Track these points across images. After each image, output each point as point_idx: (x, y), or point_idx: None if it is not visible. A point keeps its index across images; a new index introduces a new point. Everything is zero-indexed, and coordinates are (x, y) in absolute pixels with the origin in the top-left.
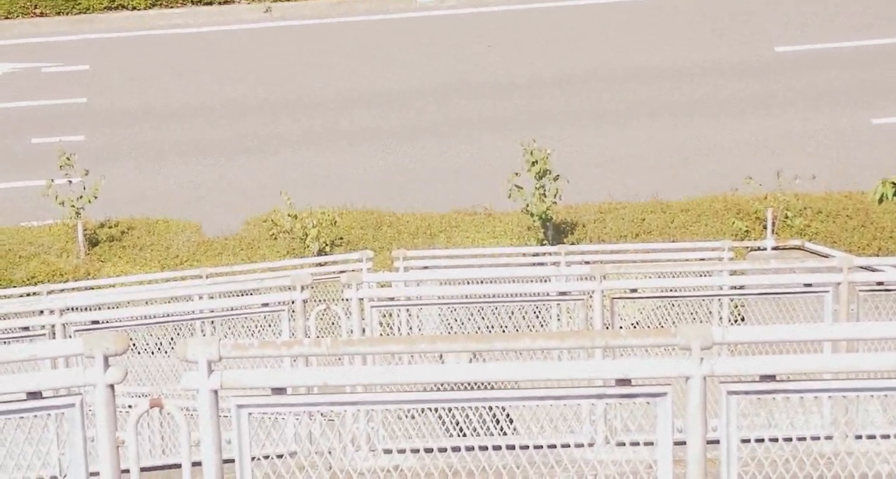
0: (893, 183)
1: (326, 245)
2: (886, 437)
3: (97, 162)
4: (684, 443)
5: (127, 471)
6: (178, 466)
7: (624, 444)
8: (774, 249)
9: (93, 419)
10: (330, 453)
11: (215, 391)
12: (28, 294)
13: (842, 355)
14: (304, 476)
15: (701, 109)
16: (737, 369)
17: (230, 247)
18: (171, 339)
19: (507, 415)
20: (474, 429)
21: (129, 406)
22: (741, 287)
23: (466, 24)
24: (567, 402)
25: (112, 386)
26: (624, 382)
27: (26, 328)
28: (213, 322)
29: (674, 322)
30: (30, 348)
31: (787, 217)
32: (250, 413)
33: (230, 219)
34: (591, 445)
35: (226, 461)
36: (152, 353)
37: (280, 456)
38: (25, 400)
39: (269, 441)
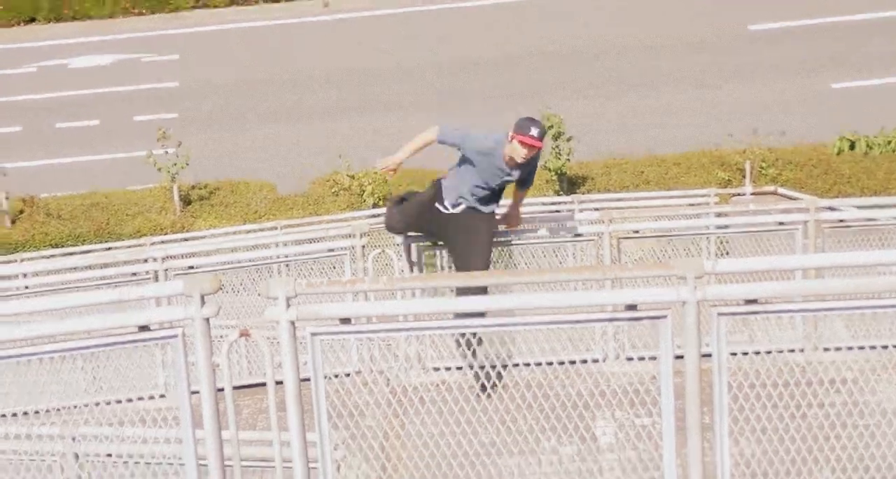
0: (849, 139)
1: (380, 200)
2: (850, 349)
3: (188, 135)
4: (682, 357)
5: (221, 389)
6: (263, 385)
7: (631, 359)
8: (752, 194)
9: (192, 347)
10: (387, 371)
11: (293, 322)
12: (134, 246)
13: (811, 280)
14: (367, 391)
15: (686, 78)
16: (725, 294)
17: (299, 203)
18: (253, 280)
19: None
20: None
21: (222, 336)
22: (725, 227)
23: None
24: (585, 325)
25: (208, 320)
26: (631, 307)
27: (134, 274)
28: (287, 265)
29: (670, 257)
30: (139, 290)
31: (762, 168)
32: (322, 340)
33: (299, 180)
34: (603, 360)
35: (302, 380)
36: (237, 292)
37: (347, 375)
38: (137, 332)
39: (338, 363)
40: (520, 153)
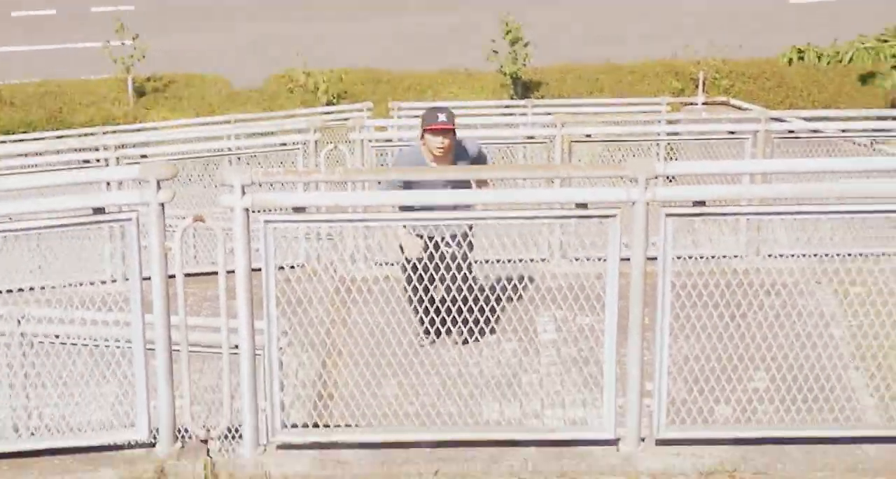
0: (798, 49)
1: (334, 98)
2: (791, 256)
3: (144, 28)
4: (627, 259)
5: (172, 276)
6: (208, 274)
7: (575, 260)
8: (704, 104)
9: (145, 232)
10: (333, 264)
11: (247, 209)
12: (86, 135)
13: (758, 185)
14: (313, 282)
15: None
16: (673, 195)
17: (254, 98)
18: (205, 172)
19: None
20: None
21: (172, 226)
22: (676, 134)
23: None
24: (535, 222)
25: (163, 205)
26: (581, 205)
27: (86, 161)
28: (239, 158)
29: (621, 161)
30: (96, 173)
31: (715, 79)
32: (275, 228)
33: (254, 75)
34: (544, 260)
35: (252, 271)
36: (189, 183)
37: (293, 267)
38: (92, 215)
39: (285, 256)
40: (435, 143)
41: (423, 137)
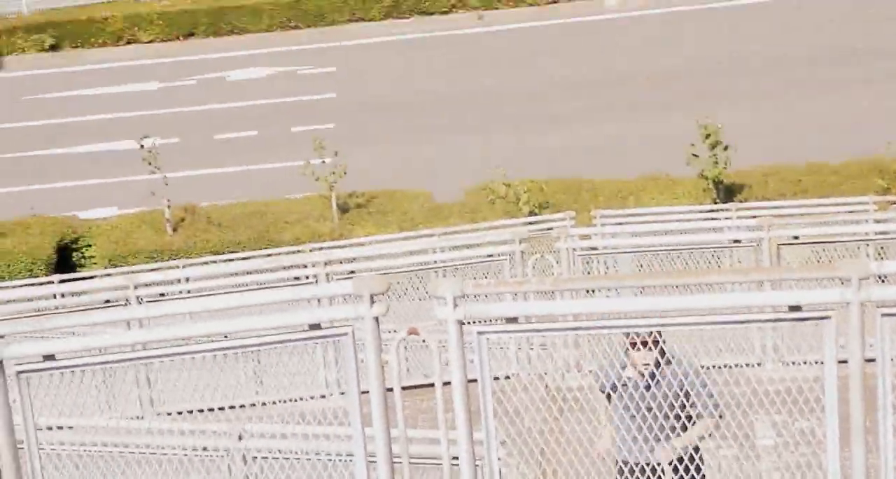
0: None
1: (535, 208)
2: None
3: (345, 145)
4: (845, 362)
5: (390, 389)
6: (423, 386)
7: (789, 364)
8: None
9: (361, 346)
10: (545, 374)
11: (460, 321)
12: (294, 252)
13: None
14: (526, 393)
15: (840, 86)
16: (889, 295)
17: (456, 211)
18: (413, 287)
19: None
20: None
21: (385, 341)
22: (885, 233)
23: (640, 24)
24: (749, 325)
25: (377, 318)
26: (795, 308)
27: (297, 278)
28: (446, 271)
29: (831, 263)
30: (311, 289)
31: None
32: (488, 339)
33: (455, 188)
34: (759, 364)
35: (470, 382)
36: (399, 297)
37: (506, 377)
38: (308, 331)
39: (497, 367)
40: (635, 358)
41: (626, 352)
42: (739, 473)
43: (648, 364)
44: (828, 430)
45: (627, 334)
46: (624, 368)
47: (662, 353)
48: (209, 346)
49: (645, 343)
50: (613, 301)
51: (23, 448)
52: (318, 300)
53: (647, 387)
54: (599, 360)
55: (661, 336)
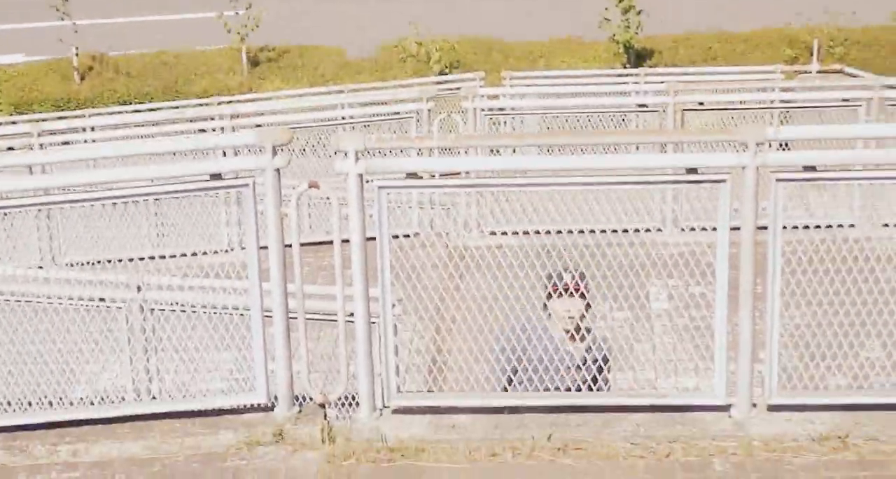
0: None
1: (446, 67)
2: None
3: None
4: (738, 229)
5: (288, 246)
6: (322, 243)
7: (686, 229)
8: (818, 72)
9: (261, 201)
10: (447, 234)
11: (361, 175)
12: (202, 105)
13: (870, 149)
14: (426, 252)
15: None
16: (784, 160)
17: (367, 68)
18: (318, 142)
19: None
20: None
21: (286, 196)
22: (789, 102)
23: None
24: (649, 189)
25: (279, 170)
26: (692, 171)
27: (202, 130)
28: (353, 128)
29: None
30: (213, 139)
31: (830, 47)
32: (388, 193)
33: (368, 45)
34: (660, 230)
35: (369, 239)
36: (303, 153)
37: (406, 236)
38: (209, 180)
39: (398, 225)
40: (561, 310)
41: (545, 305)
42: (630, 334)
43: (573, 317)
44: (717, 293)
45: (550, 279)
46: (545, 330)
47: (588, 306)
48: (110, 193)
49: (567, 290)
50: (515, 159)
51: None
52: (223, 153)
53: (584, 362)
54: (504, 331)
55: (584, 281)
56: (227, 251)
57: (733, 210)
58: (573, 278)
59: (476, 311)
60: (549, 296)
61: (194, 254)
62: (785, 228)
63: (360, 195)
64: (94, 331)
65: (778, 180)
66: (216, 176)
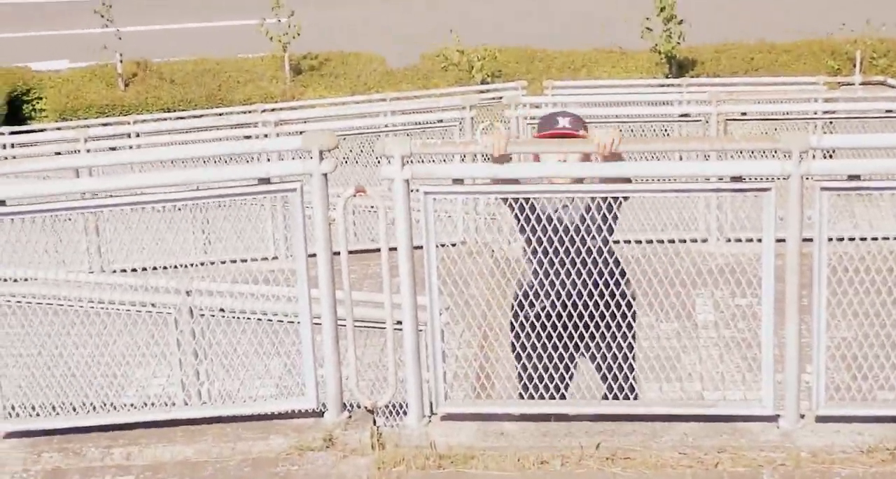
0: None
1: (488, 76)
2: None
3: (301, 5)
4: (783, 241)
5: (337, 254)
6: (368, 251)
7: (732, 240)
8: (861, 84)
9: (309, 207)
10: (492, 243)
11: (407, 181)
12: (245, 112)
13: None
14: (472, 260)
15: None
16: (829, 168)
17: (409, 77)
18: (361, 150)
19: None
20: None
21: (332, 204)
22: (832, 113)
23: None
24: (694, 199)
25: (325, 175)
26: (737, 179)
27: (247, 137)
28: (396, 135)
29: None
30: (260, 144)
31: (872, 58)
32: (434, 199)
33: (409, 53)
34: (704, 240)
35: (416, 248)
36: (345, 161)
37: (453, 245)
38: (257, 185)
39: (444, 234)
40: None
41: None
42: (677, 345)
43: (566, 162)
44: (763, 305)
45: (541, 125)
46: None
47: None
48: (159, 197)
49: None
50: (559, 166)
51: None
52: (268, 157)
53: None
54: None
55: (586, 129)
56: (273, 258)
57: (778, 219)
58: (572, 123)
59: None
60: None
61: (243, 261)
62: (831, 240)
63: (406, 200)
64: (143, 336)
65: (823, 189)
66: (264, 180)
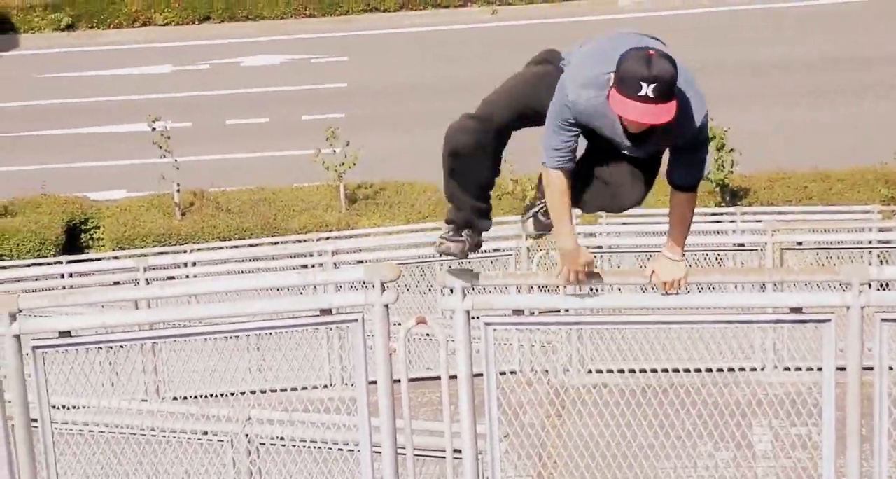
0: None
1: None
2: None
3: (355, 134)
4: (842, 369)
5: (398, 381)
6: (426, 379)
7: (789, 369)
8: None
9: (368, 336)
10: (547, 371)
11: (468, 312)
12: (301, 241)
13: None
14: (528, 389)
15: (855, 92)
16: (889, 299)
17: None
18: (418, 280)
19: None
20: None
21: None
22: (888, 242)
23: (655, 25)
24: (750, 325)
25: (387, 306)
26: (796, 310)
27: (304, 266)
28: (451, 265)
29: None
30: (322, 275)
31: None
32: (495, 329)
33: None
34: (762, 369)
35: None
36: (403, 291)
37: (511, 373)
38: (318, 316)
39: (501, 361)
40: (630, 120)
41: (608, 96)
42: (736, 474)
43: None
44: (824, 434)
45: (623, 76)
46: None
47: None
48: (219, 328)
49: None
50: (617, 297)
51: (36, 426)
52: (326, 288)
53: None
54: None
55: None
56: (327, 386)
57: (838, 350)
58: (658, 91)
59: (578, 453)
60: (610, 95)
61: (295, 389)
62: (891, 369)
63: (467, 331)
64: (199, 464)
65: (883, 321)
66: (326, 311)
